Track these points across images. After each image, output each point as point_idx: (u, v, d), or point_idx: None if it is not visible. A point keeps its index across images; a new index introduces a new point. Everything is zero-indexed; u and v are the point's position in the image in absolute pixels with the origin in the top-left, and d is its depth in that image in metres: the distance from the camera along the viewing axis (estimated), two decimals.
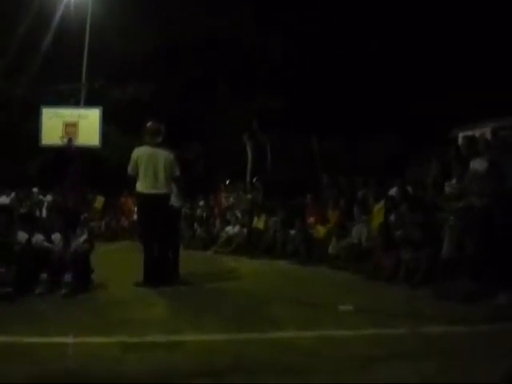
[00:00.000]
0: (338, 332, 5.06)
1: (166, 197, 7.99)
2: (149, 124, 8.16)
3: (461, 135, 11.73)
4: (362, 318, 5.60)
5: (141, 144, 8.09)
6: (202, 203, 17.61)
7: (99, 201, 20.23)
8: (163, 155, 7.93)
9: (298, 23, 21.69)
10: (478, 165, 7.53)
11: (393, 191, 10.19)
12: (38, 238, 7.24)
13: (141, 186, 7.85)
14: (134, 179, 7.91)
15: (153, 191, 7.80)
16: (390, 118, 20.00)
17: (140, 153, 7.91)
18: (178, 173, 8.05)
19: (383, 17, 20.13)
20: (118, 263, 10.47)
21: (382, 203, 10.06)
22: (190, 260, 9.17)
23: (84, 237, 7.54)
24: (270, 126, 18.29)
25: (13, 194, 18.97)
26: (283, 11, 22.04)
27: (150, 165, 7.82)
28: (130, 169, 7.92)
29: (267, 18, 22.20)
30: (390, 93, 20.41)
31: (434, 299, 6.66)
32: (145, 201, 7.95)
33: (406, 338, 4.81)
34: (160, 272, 7.82)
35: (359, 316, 5.69)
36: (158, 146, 7.99)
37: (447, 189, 8.32)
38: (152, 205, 7.78)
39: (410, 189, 9.90)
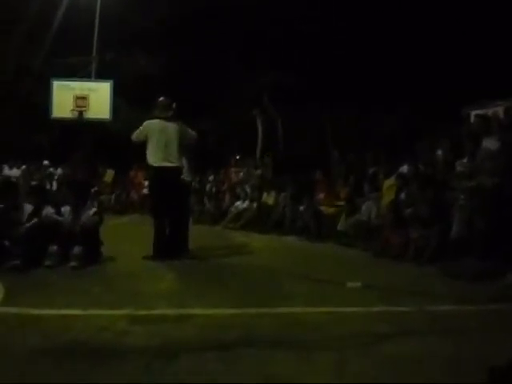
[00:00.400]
0: (345, 308, 5.06)
1: (178, 170, 8.03)
2: (160, 99, 8.18)
3: (473, 113, 11.58)
4: (370, 294, 5.61)
5: (151, 118, 8.08)
6: (211, 178, 17.59)
7: (109, 174, 20.27)
8: (174, 127, 7.95)
9: None
10: (489, 144, 7.47)
11: (403, 169, 10.13)
12: (48, 210, 7.27)
13: (153, 159, 7.85)
14: (135, 144, 8.11)
15: (164, 164, 7.79)
16: (404, 93, 19.79)
17: (151, 125, 7.95)
18: (193, 134, 8.23)
19: None
20: (128, 237, 10.51)
21: (392, 180, 10.01)
22: (199, 235, 9.18)
23: (93, 210, 7.57)
24: (281, 100, 18.14)
25: (23, 167, 19.07)
26: None
27: (162, 137, 7.83)
28: (134, 136, 8.06)
29: None
30: (404, 67, 20.16)
31: (443, 277, 6.65)
32: (156, 174, 7.96)
33: (414, 316, 4.81)
34: (170, 246, 7.86)
35: (367, 293, 5.70)
36: (168, 120, 7.99)
37: (458, 167, 8.25)
38: (164, 178, 7.80)
39: (420, 166, 9.82)
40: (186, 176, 8.48)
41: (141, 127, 8.02)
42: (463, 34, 18.54)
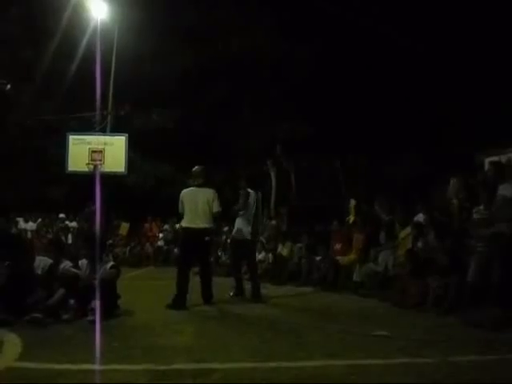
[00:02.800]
0: (366, 361, 4.97)
1: (204, 230, 8.82)
2: (193, 168, 9.15)
3: (487, 161, 11.62)
4: (391, 346, 5.51)
5: (187, 187, 9.09)
6: (226, 229, 17.59)
7: (124, 227, 20.37)
8: (203, 194, 8.90)
9: (322, 45, 21.77)
10: (505, 190, 7.46)
11: (419, 217, 10.10)
12: (66, 264, 7.31)
13: (184, 221, 8.99)
14: (182, 215, 9.02)
15: (191, 225, 8.81)
16: (416, 142, 19.93)
17: (184, 194, 8.96)
18: (216, 208, 8.92)
19: (409, 37, 20.12)
20: (143, 289, 10.52)
21: (408, 229, 9.98)
22: (214, 286, 9.15)
23: (111, 263, 7.60)
24: (294, 151, 18.31)
25: (39, 220, 19.21)
26: (309, 33, 22.16)
27: (192, 203, 8.82)
28: (179, 208, 8.99)
29: (293, 38, 22.32)
30: (417, 116, 20.35)
31: (463, 326, 6.58)
32: (184, 234, 9.15)
33: (438, 367, 4.72)
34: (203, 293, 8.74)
35: (388, 344, 5.61)
36: (199, 186, 8.94)
37: (475, 215, 8.21)
38: (189, 237, 8.90)
39: (436, 214, 9.79)
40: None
41: (179, 199, 9.00)
42: (476, 83, 18.73)
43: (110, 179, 17.29)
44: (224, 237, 17.10)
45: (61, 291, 6.95)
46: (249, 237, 9.66)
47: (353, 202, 13.01)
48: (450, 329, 6.52)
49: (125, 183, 20.44)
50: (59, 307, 6.83)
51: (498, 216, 7.33)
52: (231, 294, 9.70)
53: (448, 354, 5.10)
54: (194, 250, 8.82)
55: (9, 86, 18.84)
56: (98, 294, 6.91)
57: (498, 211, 7.37)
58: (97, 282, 7.11)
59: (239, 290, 9.69)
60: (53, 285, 6.99)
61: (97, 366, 4.63)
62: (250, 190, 9.85)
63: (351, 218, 12.68)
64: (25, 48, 22.48)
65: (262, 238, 14.75)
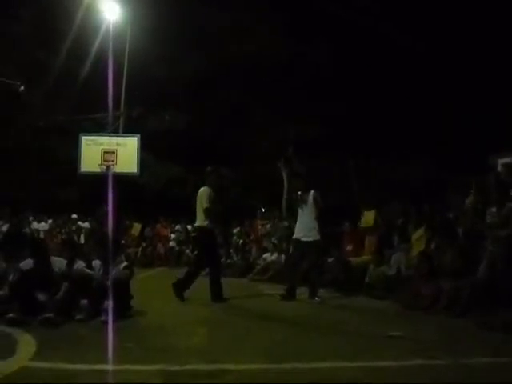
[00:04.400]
0: (379, 363, 4.95)
1: (197, 229, 9.38)
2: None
3: (500, 162, 11.57)
4: (404, 348, 5.49)
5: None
6: (237, 230, 17.63)
7: (136, 228, 20.43)
8: (199, 192, 9.21)
9: (336, 47, 21.71)
10: None
11: (434, 220, 10.06)
12: (80, 264, 7.35)
13: None
14: None
15: (195, 225, 9.43)
16: (429, 144, 19.86)
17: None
18: (205, 204, 8.98)
19: (424, 41, 20.05)
20: (156, 290, 10.53)
21: (421, 231, 9.95)
22: (226, 288, 9.18)
23: (124, 264, 7.63)
24: (306, 152, 18.27)
25: (50, 221, 19.31)
26: (322, 34, 22.13)
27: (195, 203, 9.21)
28: None
29: (306, 40, 22.30)
30: (429, 119, 20.28)
31: (476, 329, 6.54)
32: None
33: (450, 369, 4.70)
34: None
35: (400, 346, 5.58)
36: (204, 185, 9.22)
37: (488, 217, 8.18)
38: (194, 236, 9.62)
39: (450, 216, 9.77)
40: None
41: None
42: (489, 85, 18.65)
43: (121, 180, 17.35)
44: (235, 237, 17.14)
45: (66, 287, 6.99)
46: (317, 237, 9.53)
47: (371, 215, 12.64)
48: (463, 331, 6.50)
49: (137, 183, 20.48)
50: (69, 304, 6.85)
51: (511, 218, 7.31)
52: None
53: (460, 356, 5.08)
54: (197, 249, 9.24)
55: (22, 88, 18.94)
56: (111, 295, 6.94)
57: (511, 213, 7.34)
58: (110, 283, 7.15)
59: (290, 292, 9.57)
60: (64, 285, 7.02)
61: (110, 367, 4.65)
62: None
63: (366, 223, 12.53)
64: (37, 49, 22.61)
65: (273, 239, 14.77)
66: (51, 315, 6.47)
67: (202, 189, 9.19)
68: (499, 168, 11.01)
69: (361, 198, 14.16)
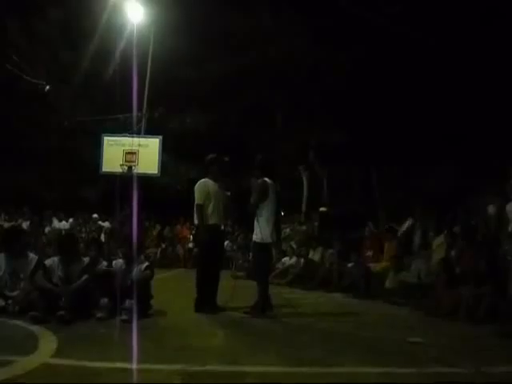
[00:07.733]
0: (399, 369, 4.91)
1: (196, 227, 8.52)
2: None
3: None
4: (424, 355, 5.45)
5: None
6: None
7: (156, 228, 20.54)
8: (195, 186, 8.43)
9: (361, 52, 21.59)
10: None
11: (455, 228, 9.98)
12: (103, 264, 7.43)
13: None
14: None
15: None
16: (451, 153, 19.72)
17: None
18: (196, 201, 8.23)
19: (448, 50, 19.89)
20: (175, 291, 10.59)
21: (442, 237, 9.88)
22: (246, 291, 9.16)
23: (145, 264, 7.68)
24: (327, 157, 18.25)
25: (71, 220, 19.47)
26: (348, 40, 22.03)
27: None
28: None
29: (331, 45, 22.21)
30: (452, 127, 20.12)
31: (497, 337, 6.47)
32: None
33: (471, 377, 4.66)
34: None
35: (421, 353, 5.54)
36: (212, 175, 8.56)
37: (510, 226, 8.13)
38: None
39: (472, 223, 9.69)
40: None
41: None
42: (508, 91, 18.47)
43: (142, 181, 17.47)
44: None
45: (85, 276, 7.10)
46: (269, 240, 8.00)
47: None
48: (484, 339, 6.44)
49: (157, 184, 20.57)
50: (84, 298, 6.94)
51: None
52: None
53: (481, 364, 5.03)
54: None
55: (48, 87, 19.16)
56: (133, 294, 6.99)
57: None
58: (131, 282, 7.20)
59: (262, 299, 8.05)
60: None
61: (130, 365, 4.67)
62: (267, 179, 8.09)
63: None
64: (63, 50, 22.83)
65: (292, 243, 14.76)
66: (63, 313, 6.52)
67: (198, 182, 8.36)
68: None
69: (381, 204, 14.11)
